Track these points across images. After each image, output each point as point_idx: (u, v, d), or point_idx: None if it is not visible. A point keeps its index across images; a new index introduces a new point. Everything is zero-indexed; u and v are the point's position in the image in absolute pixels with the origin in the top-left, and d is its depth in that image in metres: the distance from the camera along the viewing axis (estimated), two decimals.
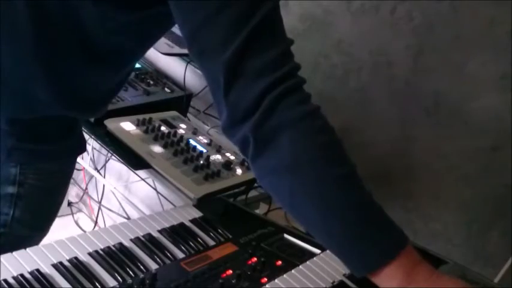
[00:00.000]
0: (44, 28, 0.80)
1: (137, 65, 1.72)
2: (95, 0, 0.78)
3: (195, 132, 1.48)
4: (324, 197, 0.71)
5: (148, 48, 0.98)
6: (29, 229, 0.99)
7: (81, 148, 1.05)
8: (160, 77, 1.76)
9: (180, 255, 0.87)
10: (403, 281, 0.70)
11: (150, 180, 1.81)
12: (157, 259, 0.84)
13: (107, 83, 0.96)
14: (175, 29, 0.81)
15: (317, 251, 0.99)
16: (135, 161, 1.27)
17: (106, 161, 2.34)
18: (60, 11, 0.79)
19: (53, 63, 0.83)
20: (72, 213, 2.58)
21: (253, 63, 0.70)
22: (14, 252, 0.73)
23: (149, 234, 0.89)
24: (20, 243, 0.93)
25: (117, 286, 0.75)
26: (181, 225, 0.95)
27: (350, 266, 0.75)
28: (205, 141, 1.47)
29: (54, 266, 0.74)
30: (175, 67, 1.87)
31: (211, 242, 0.94)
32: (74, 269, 0.75)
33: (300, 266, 0.92)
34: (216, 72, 0.71)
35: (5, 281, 0.68)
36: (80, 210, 2.64)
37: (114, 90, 1.03)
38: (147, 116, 1.39)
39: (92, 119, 1.33)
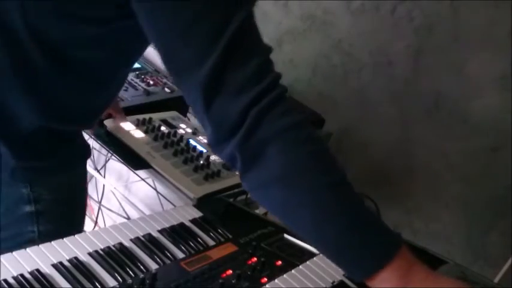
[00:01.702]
0: (16, 48, 0.79)
1: (137, 65, 1.72)
2: (58, 18, 0.77)
3: (195, 132, 1.48)
4: (316, 205, 0.71)
5: (132, 61, 0.95)
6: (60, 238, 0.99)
7: (86, 153, 1.04)
8: (160, 77, 1.76)
9: (180, 255, 0.87)
10: (399, 283, 0.70)
11: (150, 180, 1.81)
12: (157, 259, 0.84)
13: (91, 97, 0.94)
14: None
15: (317, 251, 0.99)
16: (135, 161, 1.26)
17: (106, 161, 2.34)
18: (27, 32, 0.78)
19: (30, 79, 0.83)
20: None
21: (232, 78, 0.68)
22: (14, 252, 0.73)
23: (149, 234, 0.89)
24: None
25: (117, 286, 0.75)
26: (181, 225, 0.95)
27: (347, 272, 0.75)
28: (205, 141, 1.47)
29: (54, 266, 0.74)
30: None
31: (211, 242, 0.93)
32: (74, 269, 0.75)
33: (300, 266, 0.92)
34: (194, 90, 0.70)
35: (5, 281, 0.68)
36: None
37: (102, 104, 1.01)
38: (147, 116, 1.39)
39: None
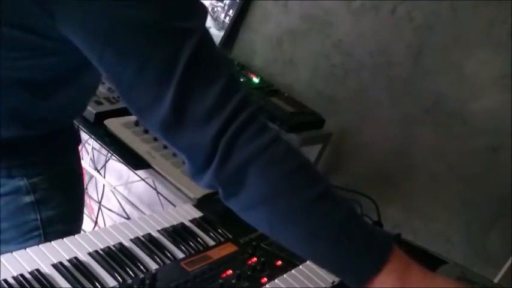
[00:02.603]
0: None
1: None
2: (16, 60, 0.75)
3: None
4: (303, 223, 0.70)
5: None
6: (64, 224, 1.00)
7: (76, 140, 1.05)
8: None
9: (180, 255, 0.87)
10: (397, 284, 0.69)
11: (150, 180, 1.81)
12: (157, 259, 0.84)
13: (74, 103, 0.95)
14: None
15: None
16: (135, 161, 1.27)
17: (106, 161, 2.34)
18: None
19: (11, 106, 0.83)
20: None
21: (194, 111, 0.66)
22: (14, 252, 0.73)
23: (149, 234, 0.89)
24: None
25: (117, 286, 0.75)
26: (181, 225, 0.95)
27: (343, 280, 0.75)
28: None
29: (54, 266, 0.74)
30: None
31: (211, 242, 0.94)
32: (74, 269, 0.75)
33: (300, 266, 0.92)
34: (156, 129, 0.69)
35: (5, 281, 0.68)
36: None
37: (89, 99, 1.02)
38: None
39: (92, 119, 1.33)
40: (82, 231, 1.03)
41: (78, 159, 1.08)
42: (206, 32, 0.69)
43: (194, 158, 0.70)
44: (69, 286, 0.72)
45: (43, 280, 0.71)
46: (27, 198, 0.94)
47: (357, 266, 0.71)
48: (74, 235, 0.83)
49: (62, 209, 1.00)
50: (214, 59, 0.69)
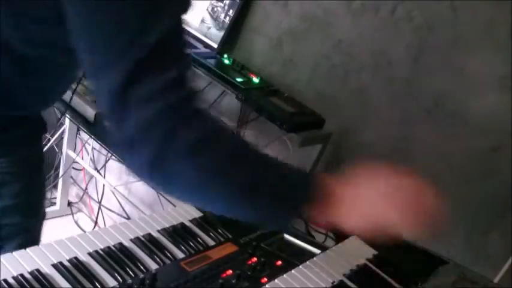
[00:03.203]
0: None
1: None
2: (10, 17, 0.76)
3: None
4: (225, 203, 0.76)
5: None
6: (21, 216, 1.00)
7: (42, 130, 1.05)
8: None
9: (180, 255, 0.87)
10: (327, 211, 0.77)
11: None
12: (157, 259, 0.84)
13: (48, 90, 0.95)
14: None
15: (317, 251, 0.99)
16: None
17: (106, 161, 2.34)
18: None
19: None
20: (72, 213, 2.59)
21: (139, 89, 0.67)
22: (14, 252, 0.74)
23: (149, 234, 0.89)
24: (22, 232, 0.98)
25: (117, 286, 0.75)
26: (181, 225, 0.95)
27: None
28: None
29: (54, 266, 0.74)
30: None
31: (211, 242, 0.94)
32: (74, 269, 0.75)
33: (300, 266, 0.92)
34: (104, 95, 0.69)
35: (5, 281, 0.68)
36: (80, 210, 2.64)
37: (60, 92, 1.02)
38: None
39: (92, 119, 1.33)
40: (82, 231, 1.03)
41: (41, 150, 1.08)
42: (181, 23, 0.70)
43: (126, 138, 0.70)
44: (69, 286, 0.72)
45: (43, 280, 0.71)
46: None
47: (280, 219, 0.78)
48: (34, 234, 0.83)
49: (21, 200, 0.99)
50: (178, 50, 0.71)
